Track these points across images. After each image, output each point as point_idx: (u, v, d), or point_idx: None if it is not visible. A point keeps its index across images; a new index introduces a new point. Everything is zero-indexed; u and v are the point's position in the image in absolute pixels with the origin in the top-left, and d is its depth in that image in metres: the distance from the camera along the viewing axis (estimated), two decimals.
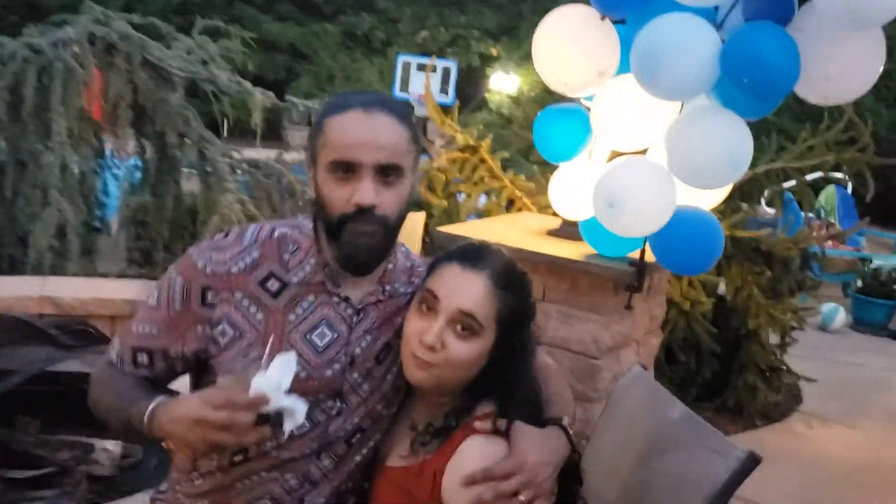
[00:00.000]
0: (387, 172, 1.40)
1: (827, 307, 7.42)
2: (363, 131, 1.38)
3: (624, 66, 2.45)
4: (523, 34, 16.91)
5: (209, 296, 1.42)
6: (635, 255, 2.69)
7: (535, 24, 2.60)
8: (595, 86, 2.55)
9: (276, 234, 1.49)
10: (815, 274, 5.82)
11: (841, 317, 7.50)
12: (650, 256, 2.68)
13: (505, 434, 1.43)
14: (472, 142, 4.00)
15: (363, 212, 1.38)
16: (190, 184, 5.34)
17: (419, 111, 9.63)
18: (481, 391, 1.49)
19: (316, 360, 1.46)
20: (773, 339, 4.65)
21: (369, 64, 18.88)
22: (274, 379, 1.22)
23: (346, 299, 1.50)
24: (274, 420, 1.22)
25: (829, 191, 10.20)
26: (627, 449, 1.67)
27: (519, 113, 7.93)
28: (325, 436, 1.50)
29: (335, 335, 1.48)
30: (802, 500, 3.84)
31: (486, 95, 17.16)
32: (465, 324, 1.43)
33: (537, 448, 1.42)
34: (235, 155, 5.08)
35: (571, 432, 1.51)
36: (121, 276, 4.82)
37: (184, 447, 1.34)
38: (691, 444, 1.55)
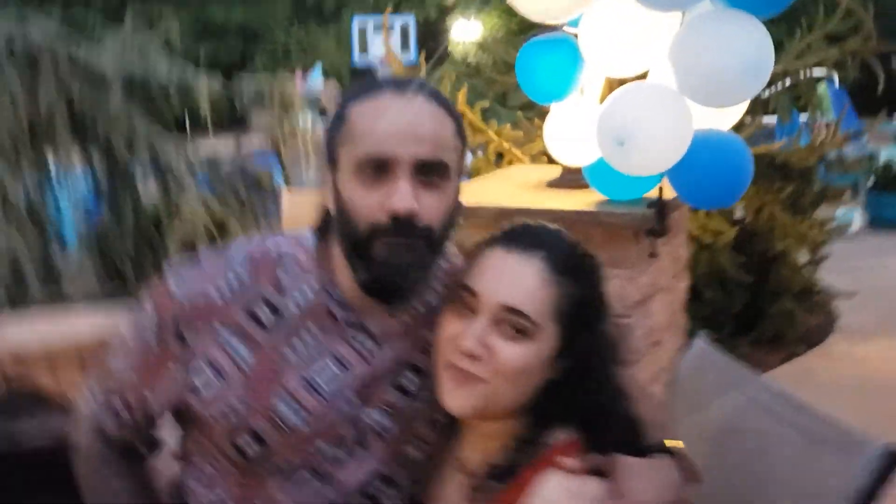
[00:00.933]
0: (429, 172, 1.10)
1: (841, 211, 7.10)
2: (399, 118, 1.08)
3: None
4: None
5: (185, 330, 1.15)
6: (652, 194, 2.38)
7: None
8: (581, 6, 2.21)
9: (269, 248, 1.20)
10: (821, 178, 5.52)
11: (857, 219, 7.19)
12: (669, 192, 2.38)
13: (597, 472, 1.08)
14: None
15: (400, 222, 1.07)
16: (149, 189, 4.92)
17: (383, 73, 9.27)
18: (550, 414, 1.13)
19: (317, 405, 1.15)
20: (801, 257, 4.33)
21: (324, 33, 18.41)
22: None
23: (362, 327, 1.17)
24: None
25: (821, 88, 9.83)
26: (717, 455, 1.30)
27: (487, 59, 7.57)
28: (334, 490, 1.18)
29: (344, 372, 1.16)
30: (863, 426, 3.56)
31: (449, 47, 16.73)
32: (514, 323, 1.09)
33: (647, 487, 1.07)
34: (192, 151, 4.69)
35: (679, 458, 1.15)
36: (91, 297, 4.45)
37: None
38: (799, 437, 1.19)
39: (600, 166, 2.36)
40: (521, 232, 1.17)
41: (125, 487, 1.27)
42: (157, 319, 1.16)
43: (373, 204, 1.07)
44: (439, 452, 1.24)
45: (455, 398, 1.12)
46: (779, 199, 3.89)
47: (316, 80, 11.81)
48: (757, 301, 4.19)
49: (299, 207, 2.89)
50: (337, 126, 1.13)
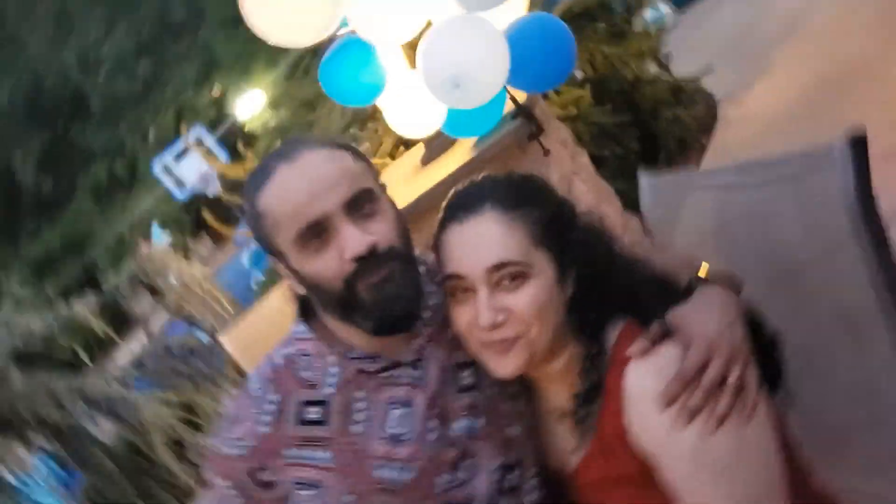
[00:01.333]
0: (359, 205, 1.14)
1: (649, 13, 7.35)
2: (304, 181, 1.12)
3: None
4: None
5: (262, 475, 1.16)
6: (508, 108, 2.45)
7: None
8: (324, 31, 2.18)
9: (277, 362, 1.23)
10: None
11: (665, 9, 7.45)
12: (519, 96, 2.45)
13: (663, 337, 1.12)
14: None
15: (366, 260, 1.11)
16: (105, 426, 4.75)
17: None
18: (591, 322, 1.18)
19: (410, 451, 1.17)
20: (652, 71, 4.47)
21: (135, 199, 17.98)
22: None
23: (397, 364, 1.20)
24: None
25: None
26: (730, 252, 1.36)
27: (285, 112, 7.52)
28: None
29: (410, 409, 1.18)
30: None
31: (247, 126, 16.58)
32: (507, 275, 1.14)
33: (708, 319, 1.12)
34: (117, 369, 4.56)
35: (717, 277, 1.22)
36: None
37: None
38: (779, 188, 1.26)
39: (454, 116, 2.41)
40: (459, 201, 1.21)
41: None
42: (234, 484, 1.16)
43: (333, 263, 1.11)
44: (533, 415, 1.28)
45: (506, 366, 1.16)
46: (599, 39, 4.02)
47: (159, 236, 11.64)
48: (647, 130, 4.32)
49: (244, 337, 2.85)
50: (258, 223, 1.15)
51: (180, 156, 12.83)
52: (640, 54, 4.07)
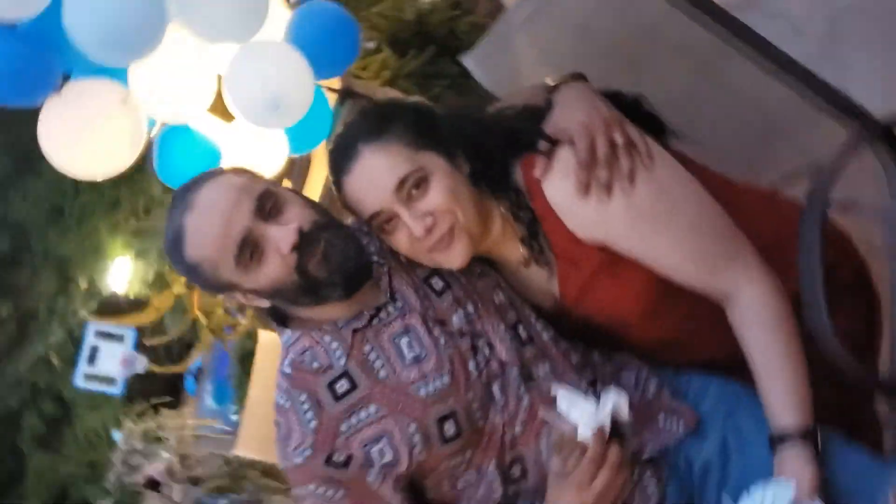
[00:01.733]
0: (265, 207, 1.25)
1: None
2: (212, 215, 1.22)
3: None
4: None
5: (337, 458, 1.27)
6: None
7: None
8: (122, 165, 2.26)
9: (287, 371, 1.32)
10: None
11: None
12: (334, 83, 2.61)
13: (552, 147, 1.28)
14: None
15: (301, 245, 1.23)
16: None
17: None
18: (497, 176, 1.33)
19: (435, 361, 1.30)
20: None
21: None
22: (582, 413, 1.16)
23: (379, 309, 1.33)
24: (618, 431, 1.18)
25: None
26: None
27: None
28: (509, 371, 1.34)
29: (413, 332, 1.31)
30: None
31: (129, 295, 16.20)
32: (411, 185, 1.27)
33: (575, 110, 1.29)
34: None
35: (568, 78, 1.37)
36: None
37: None
38: None
39: (293, 137, 2.48)
40: (337, 157, 1.33)
41: None
42: (320, 482, 1.26)
43: (278, 263, 1.23)
44: (507, 279, 1.39)
45: (456, 256, 1.30)
46: (369, 3, 4.14)
47: (119, 437, 11.41)
48: (455, 50, 4.41)
49: (255, 436, 2.89)
50: (198, 274, 1.25)
51: (92, 357, 12.47)
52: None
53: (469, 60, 1.81)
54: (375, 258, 1.36)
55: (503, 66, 1.66)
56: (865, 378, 1.28)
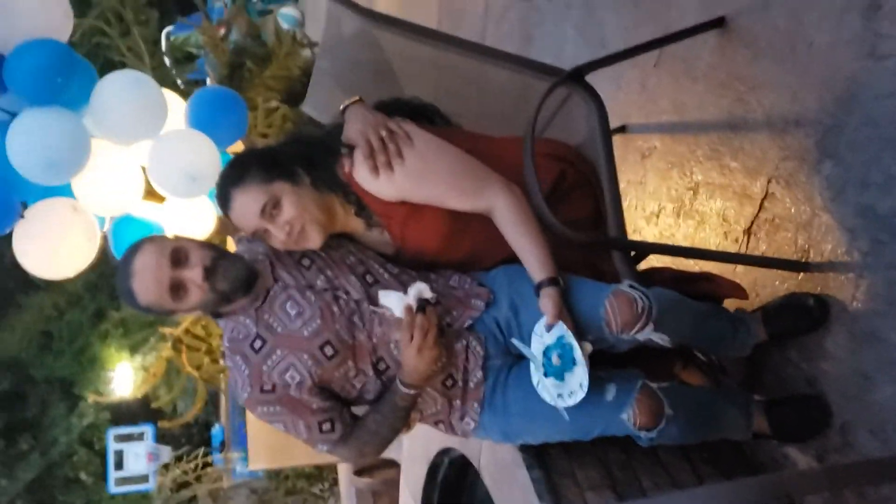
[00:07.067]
0: (179, 258, 1.79)
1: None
2: (146, 272, 1.77)
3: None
4: None
5: (266, 387, 1.84)
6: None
7: None
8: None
9: (226, 344, 1.91)
10: None
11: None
12: (238, 146, 3.07)
13: (350, 149, 1.85)
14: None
15: (208, 276, 1.78)
16: None
17: None
18: (328, 178, 1.88)
19: (310, 312, 1.86)
20: None
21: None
22: (400, 298, 1.79)
23: (271, 288, 1.89)
24: (425, 304, 1.77)
25: None
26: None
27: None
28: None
29: (293, 298, 1.87)
30: None
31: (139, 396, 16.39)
32: (269, 208, 1.81)
33: (353, 122, 1.88)
34: None
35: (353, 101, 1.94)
36: None
37: (431, 375, 1.84)
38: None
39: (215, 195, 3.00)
40: (221, 201, 1.90)
41: (369, 412, 1.95)
42: (264, 404, 1.87)
43: (199, 292, 1.81)
44: (356, 245, 2.00)
45: (312, 243, 1.88)
46: (256, 74, 4.73)
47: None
48: None
49: (265, 450, 3.33)
50: (144, 309, 1.83)
51: (119, 463, 12.92)
52: (290, 54, 4.80)
53: (307, 106, 2.38)
54: (262, 256, 1.93)
55: (327, 104, 2.24)
56: (590, 242, 1.91)
